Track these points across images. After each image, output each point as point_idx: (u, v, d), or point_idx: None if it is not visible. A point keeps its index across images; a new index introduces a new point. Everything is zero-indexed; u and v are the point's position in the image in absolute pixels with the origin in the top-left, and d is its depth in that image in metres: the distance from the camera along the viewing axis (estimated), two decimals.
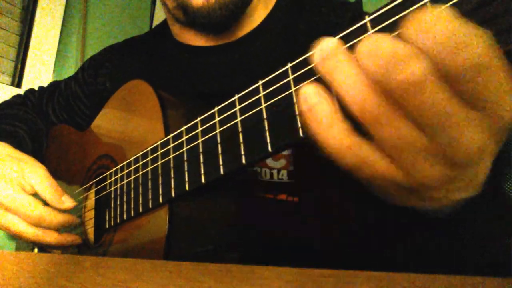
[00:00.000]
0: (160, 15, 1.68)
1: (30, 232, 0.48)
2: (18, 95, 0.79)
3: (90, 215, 0.54)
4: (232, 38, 0.57)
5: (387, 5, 0.22)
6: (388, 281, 0.18)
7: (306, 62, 0.26)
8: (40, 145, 0.70)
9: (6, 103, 0.76)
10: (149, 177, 0.41)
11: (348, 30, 0.24)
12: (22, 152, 0.53)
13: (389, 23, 0.22)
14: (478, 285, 0.17)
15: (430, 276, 0.17)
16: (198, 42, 0.59)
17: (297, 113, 0.26)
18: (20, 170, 0.49)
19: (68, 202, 0.49)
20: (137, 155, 0.43)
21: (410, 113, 0.21)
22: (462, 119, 0.20)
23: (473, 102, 0.20)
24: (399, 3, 0.22)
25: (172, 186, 0.38)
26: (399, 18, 0.22)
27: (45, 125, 0.74)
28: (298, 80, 0.27)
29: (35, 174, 0.49)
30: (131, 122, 0.48)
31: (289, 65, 0.28)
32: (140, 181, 0.42)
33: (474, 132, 0.20)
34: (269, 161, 0.49)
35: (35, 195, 0.49)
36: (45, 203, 0.49)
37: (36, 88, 0.80)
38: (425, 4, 0.21)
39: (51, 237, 0.49)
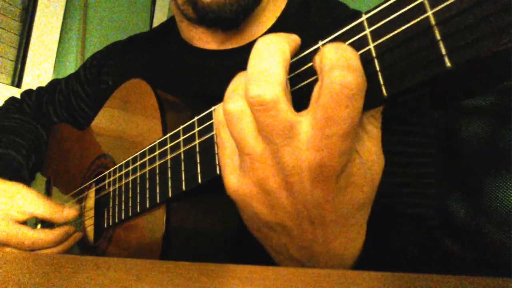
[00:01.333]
0: (160, 15, 1.68)
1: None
2: (14, 99, 0.78)
3: (89, 214, 0.54)
4: (240, 43, 0.56)
5: (383, 3, 0.22)
6: (388, 281, 0.18)
7: (303, 64, 0.26)
8: (40, 154, 0.69)
9: (0, 111, 0.75)
10: (147, 176, 0.41)
11: (346, 28, 0.24)
12: (7, 179, 0.51)
13: (385, 22, 0.22)
14: (478, 285, 0.17)
15: (430, 276, 0.17)
16: (205, 41, 0.58)
17: None
18: (7, 201, 0.47)
19: (71, 212, 0.49)
20: (134, 155, 0.43)
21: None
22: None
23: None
24: (394, 2, 0.22)
25: (169, 186, 0.37)
26: (395, 17, 0.22)
27: (45, 127, 0.73)
28: (293, 83, 0.27)
29: (26, 199, 0.48)
30: (129, 121, 0.48)
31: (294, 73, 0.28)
32: (138, 181, 0.42)
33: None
34: None
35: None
36: (44, 225, 0.49)
37: (35, 89, 0.80)
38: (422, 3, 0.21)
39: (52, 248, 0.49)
